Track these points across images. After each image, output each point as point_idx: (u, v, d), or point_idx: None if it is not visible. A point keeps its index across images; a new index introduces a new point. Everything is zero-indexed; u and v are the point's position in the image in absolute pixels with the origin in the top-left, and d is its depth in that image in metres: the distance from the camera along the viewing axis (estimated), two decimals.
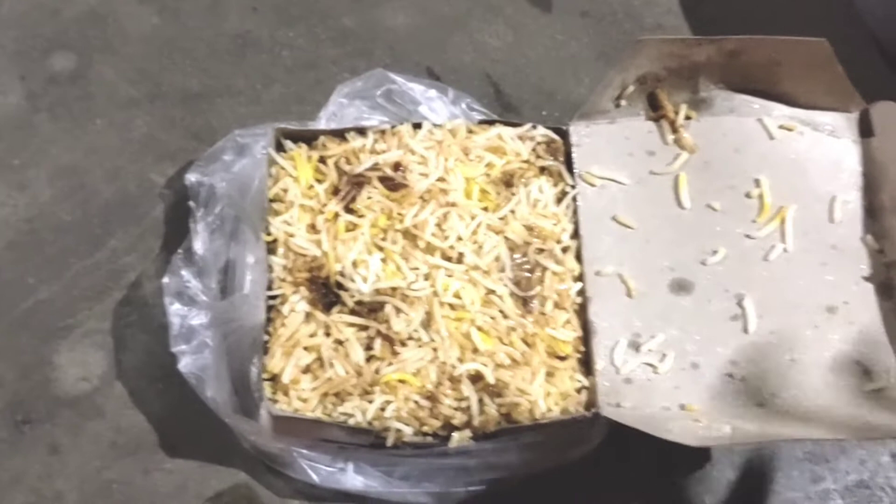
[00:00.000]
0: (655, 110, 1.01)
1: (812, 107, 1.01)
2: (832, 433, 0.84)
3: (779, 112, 1.01)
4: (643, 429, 0.81)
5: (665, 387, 0.89)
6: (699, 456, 0.95)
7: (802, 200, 0.97)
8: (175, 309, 0.92)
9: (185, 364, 0.89)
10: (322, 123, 1.00)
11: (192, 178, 0.99)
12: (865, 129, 1.00)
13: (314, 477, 0.89)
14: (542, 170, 0.97)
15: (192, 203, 0.98)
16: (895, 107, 1.00)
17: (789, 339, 0.90)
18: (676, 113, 1.00)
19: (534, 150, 0.98)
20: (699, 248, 0.95)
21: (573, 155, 0.98)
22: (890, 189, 0.96)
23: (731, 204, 0.97)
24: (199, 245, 0.96)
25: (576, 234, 0.95)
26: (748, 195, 0.97)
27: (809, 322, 0.91)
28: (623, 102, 1.01)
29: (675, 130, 0.99)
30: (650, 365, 0.90)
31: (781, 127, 1.00)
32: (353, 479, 0.90)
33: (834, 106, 1.01)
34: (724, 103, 1.01)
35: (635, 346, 0.90)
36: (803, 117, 1.01)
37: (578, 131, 0.99)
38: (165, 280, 0.93)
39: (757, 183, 0.97)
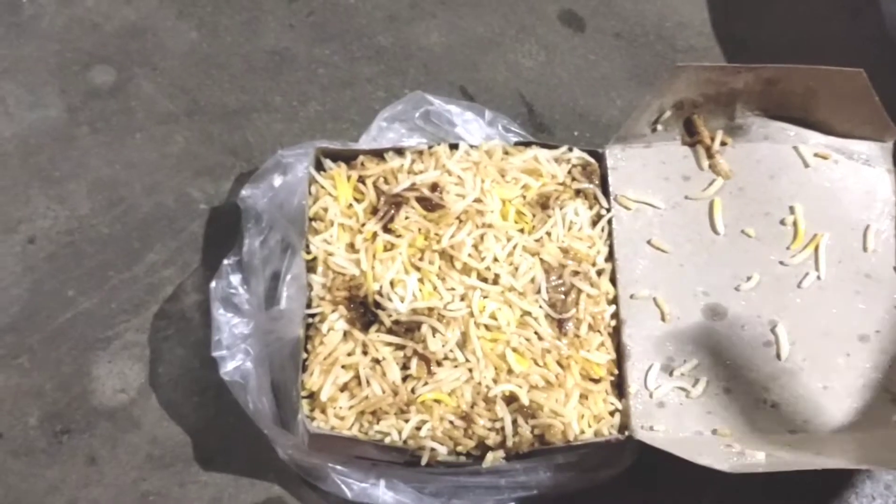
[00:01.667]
0: (692, 136, 1.02)
1: (847, 135, 1.01)
2: (863, 461, 0.84)
3: (814, 140, 1.02)
4: (676, 453, 0.82)
5: (697, 411, 0.89)
6: (726, 479, 0.96)
7: (836, 229, 0.97)
8: (220, 314, 0.94)
9: (226, 371, 0.91)
10: (363, 147, 1.02)
11: (243, 193, 1.01)
12: None
13: (347, 492, 0.91)
14: (578, 192, 0.98)
15: (243, 217, 1.00)
16: None
17: (821, 366, 0.91)
18: (712, 139, 1.01)
19: (569, 172, 0.99)
20: (733, 274, 0.95)
21: (609, 178, 0.99)
22: None
23: (766, 230, 0.97)
24: (247, 255, 0.98)
25: (610, 257, 0.95)
26: (782, 222, 0.98)
27: (841, 350, 0.92)
28: (659, 127, 1.02)
29: (710, 156, 1.00)
30: (683, 389, 0.90)
31: (816, 155, 1.01)
32: (384, 494, 0.91)
33: (869, 135, 1.01)
34: (760, 130, 1.02)
35: (668, 370, 0.91)
36: (838, 146, 1.01)
37: (614, 155, 1.00)
38: (213, 284, 0.95)
39: (791, 210, 0.98)
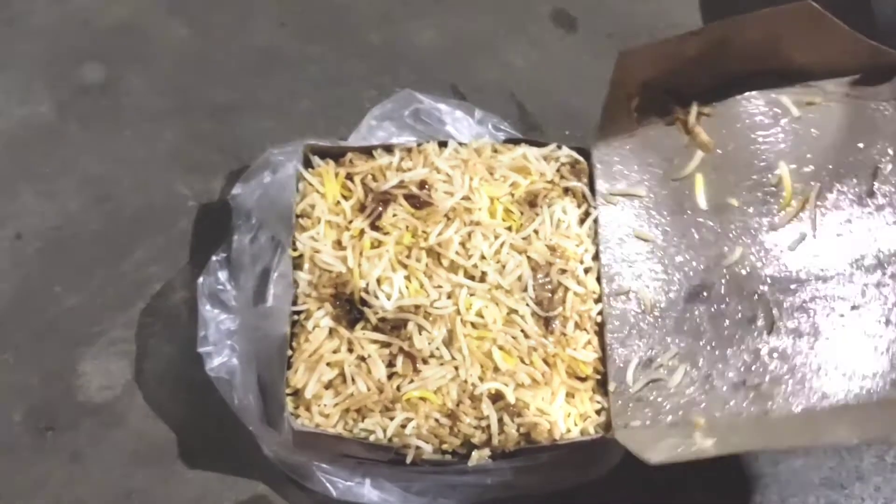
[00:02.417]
0: (668, 114, 0.98)
1: (829, 74, 0.93)
2: (858, 430, 0.80)
3: (797, 88, 0.94)
4: (630, 448, 0.80)
5: (674, 402, 0.88)
6: (716, 474, 0.95)
7: (832, 179, 0.91)
8: (207, 310, 0.94)
9: (212, 367, 0.91)
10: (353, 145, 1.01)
11: (234, 191, 1.01)
12: None
13: (332, 491, 0.90)
14: (566, 191, 0.97)
15: (233, 214, 1.00)
16: None
17: (812, 334, 0.87)
18: (688, 113, 0.97)
19: (558, 170, 0.99)
20: (718, 251, 0.93)
21: (596, 175, 0.98)
22: None
23: (752, 198, 0.93)
24: (236, 252, 0.98)
25: (598, 256, 0.95)
26: (769, 184, 0.93)
27: (836, 313, 0.87)
28: (635, 114, 0.98)
29: (688, 131, 0.97)
30: (661, 381, 0.89)
31: (802, 103, 0.94)
32: (370, 493, 0.90)
33: (857, 66, 0.91)
34: (737, 90, 0.96)
35: (648, 364, 0.90)
36: (830, 88, 0.93)
37: (600, 151, 0.99)
38: (200, 280, 0.95)
39: (778, 169, 0.92)
